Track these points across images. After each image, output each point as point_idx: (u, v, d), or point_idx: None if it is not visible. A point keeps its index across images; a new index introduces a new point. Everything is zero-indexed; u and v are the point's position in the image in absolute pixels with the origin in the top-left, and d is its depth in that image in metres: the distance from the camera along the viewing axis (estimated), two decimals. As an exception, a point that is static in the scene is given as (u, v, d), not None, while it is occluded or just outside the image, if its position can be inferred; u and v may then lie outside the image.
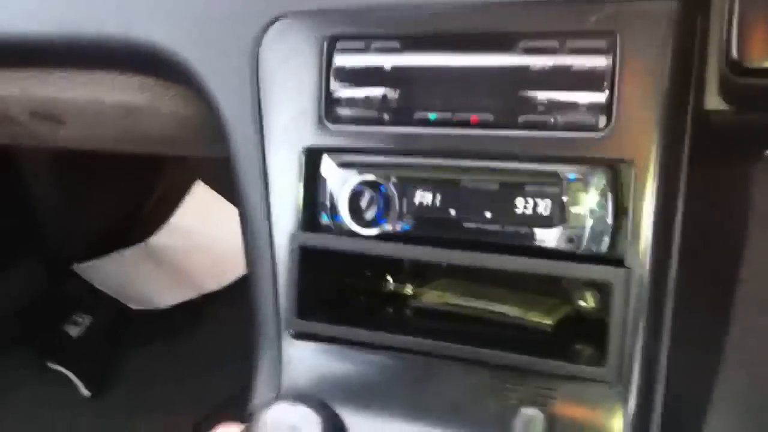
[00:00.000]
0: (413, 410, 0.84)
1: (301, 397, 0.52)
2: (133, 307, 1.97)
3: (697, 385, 0.91)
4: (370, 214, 0.89)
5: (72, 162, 1.88)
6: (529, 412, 0.54)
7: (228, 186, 1.01)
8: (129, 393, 1.81)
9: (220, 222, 2.05)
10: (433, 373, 0.85)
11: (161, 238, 2.12)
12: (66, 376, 1.82)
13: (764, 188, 1.03)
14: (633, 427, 0.76)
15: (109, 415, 1.75)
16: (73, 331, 1.89)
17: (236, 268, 1.96)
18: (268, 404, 0.52)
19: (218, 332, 1.89)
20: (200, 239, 2.10)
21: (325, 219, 0.91)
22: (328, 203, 0.91)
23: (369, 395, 0.86)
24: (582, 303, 0.89)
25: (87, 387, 1.80)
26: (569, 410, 0.78)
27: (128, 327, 1.94)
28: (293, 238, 0.91)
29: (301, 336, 0.91)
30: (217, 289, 2.02)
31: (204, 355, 1.85)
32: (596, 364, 0.79)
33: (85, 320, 1.90)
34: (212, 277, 2.03)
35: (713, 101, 0.80)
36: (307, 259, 0.91)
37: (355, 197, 0.89)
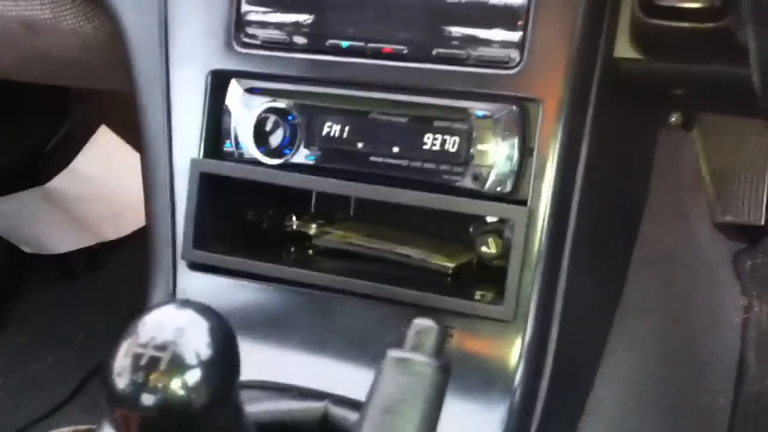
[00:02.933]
0: (313, 342, 0.83)
1: (189, 303, 0.50)
2: (27, 250, 1.89)
3: (593, 324, 0.92)
4: (275, 142, 0.86)
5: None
6: (423, 321, 0.53)
7: (134, 133, 0.97)
8: (22, 336, 1.74)
9: (124, 170, 1.98)
10: (334, 309, 0.84)
11: (60, 182, 2.04)
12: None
13: (663, 153, 1.05)
14: (528, 363, 0.77)
15: (2, 357, 1.68)
16: (-36, 272, 1.80)
17: (137, 218, 1.90)
18: (151, 307, 0.49)
19: (114, 279, 1.84)
20: (102, 186, 2.03)
21: (228, 146, 0.89)
22: (232, 130, 0.88)
23: (267, 327, 0.84)
24: (484, 249, 0.88)
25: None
26: (468, 344, 0.78)
27: (23, 270, 1.87)
28: (194, 164, 0.88)
29: (197, 267, 0.88)
30: (117, 238, 1.95)
31: (99, 298, 1.79)
32: (495, 303, 0.79)
33: (-23, 262, 1.81)
34: (111, 226, 1.96)
35: (624, 48, 0.81)
36: (208, 187, 0.88)
37: (260, 124, 0.87)
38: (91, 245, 1.93)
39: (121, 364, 0.47)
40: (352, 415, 0.73)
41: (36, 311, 1.79)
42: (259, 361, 0.78)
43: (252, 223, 0.94)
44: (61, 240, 1.93)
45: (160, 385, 0.46)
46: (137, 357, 0.46)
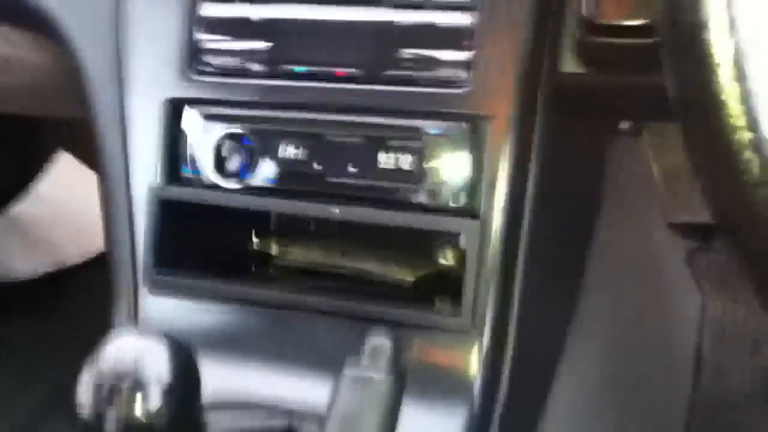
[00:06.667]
0: (273, 358, 0.84)
1: (149, 333, 0.52)
2: (-11, 278, 1.88)
3: (549, 329, 0.95)
4: (233, 166, 0.88)
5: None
6: (377, 337, 0.55)
7: (92, 156, 0.97)
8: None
9: (85, 194, 1.97)
10: (296, 326, 0.86)
11: (23, 207, 2.03)
12: None
13: (615, 160, 1.08)
14: (486, 370, 0.79)
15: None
16: (-77, 302, 1.78)
17: (100, 240, 1.90)
18: (110, 338, 0.50)
19: (79, 303, 1.83)
20: (63, 211, 2.02)
21: (186, 172, 0.90)
22: (189, 156, 0.90)
23: (227, 345, 0.85)
24: (443, 261, 0.91)
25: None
26: (429, 356, 0.80)
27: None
28: (152, 190, 0.89)
29: (158, 290, 0.89)
30: (80, 262, 1.95)
31: (62, 325, 1.78)
32: (452, 314, 0.81)
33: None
34: (75, 249, 1.95)
35: (569, 63, 0.83)
36: (168, 212, 0.89)
37: (218, 149, 0.88)
38: (54, 270, 1.92)
39: (85, 395, 0.48)
40: (317, 431, 0.74)
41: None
42: (222, 380, 0.79)
43: (213, 245, 0.95)
44: (24, 266, 1.92)
45: (121, 412, 0.48)
46: (99, 387, 0.48)
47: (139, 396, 0.47)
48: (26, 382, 1.67)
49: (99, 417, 0.48)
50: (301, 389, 0.81)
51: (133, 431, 0.47)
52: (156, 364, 0.48)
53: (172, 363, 0.49)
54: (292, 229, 0.99)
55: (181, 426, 0.49)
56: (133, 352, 0.49)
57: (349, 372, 0.55)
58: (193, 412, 0.50)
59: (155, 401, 0.47)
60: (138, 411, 0.47)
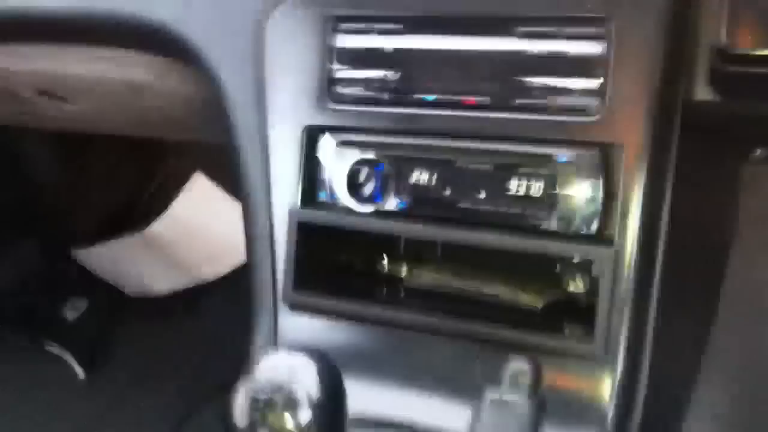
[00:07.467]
0: (405, 379, 0.86)
1: (299, 348, 0.55)
2: (129, 293, 1.99)
3: (683, 360, 0.93)
4: (367, 192, 0.91)
5: (75, 146, 1.90)
6: (518, 362, 0.56)
7: (226, 178, 1.03)
8: (122, 375, 1.82)
9: (218, 213, 2.06)
10: (425, 347, 0.88)
11: (159, 226, 2.13)
12: (62, 358, 1.83)
13: (749, 188, 1.05)
14: (619, 399, 0.78)
15: (102, 396, 1.77)
16: (70, 314, 1.90)
17: (232, 259, 1.98)
18: (266, 353, 0.54)
19: (212, 320, 1.91)
20: (198, 229, 2.12)
21: (323, 196, 0.94)
22: (326, 181, 0.94)
23: (362, 364, 0.88)
24: (572, 287, 0.91)
25: (82, 369, 1.82)
26: (559, 381, 0.80)
27: (124, 311, 1.96)
28: (292, 213, 0.93)
29: (296, 308, 0.93)
30: (213, 279, 2.03)
31: (197, 341, 1.86)
32: (584, 341, 0.81)
33: (82, 304, 1.92)
34: (209, 267, 2.04)
35: (703, 91, 0.83)
36: (305, 234, 0.93)
37: (353, 175, 0.92)
38: (189, 286, 2.01)
39: (241, 405, 0.51)
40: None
41: (136, 351, 1.87)
42: (356, 396, 0.82)
43: (346, 267, 0.99)
44: (161, 282, 2.02)
45: (276, 424, 0.51)
46: (255, 399, 0.51)
47: (291, 410, 0.50)
48: (163, 391, 1.76)
49: (252, 427, 0.51)
50: (431, 407, 0.83)
51: (285, 443, 0.51)
52: (307, 380, 0.51)
53: (322, 379, 0.52)
54: (421, 253, 1.01)
55: (328, 440, 0.52)
56: (287, 368, 0.52)
57: (490, 395, 0.56)
58: (339, 427, 0.53)
59: (306, 415, 0.50)
60: (290, 424, 0.50)
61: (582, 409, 0.79)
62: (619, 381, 0.79)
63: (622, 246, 0.80)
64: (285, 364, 0.53)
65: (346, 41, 0.93)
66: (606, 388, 0.79)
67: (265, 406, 0.51)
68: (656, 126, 0.81)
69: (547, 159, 0.84)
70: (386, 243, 0.99)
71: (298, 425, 0.51)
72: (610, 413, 0.78)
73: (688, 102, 0.82)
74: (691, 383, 0.93)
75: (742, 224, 1.05)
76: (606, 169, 0.82)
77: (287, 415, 0.51)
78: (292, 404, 0.51)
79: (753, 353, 1.01)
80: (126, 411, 1.72)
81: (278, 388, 0.51)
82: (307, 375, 0.52)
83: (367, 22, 0.91)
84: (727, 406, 0.98)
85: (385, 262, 1.00)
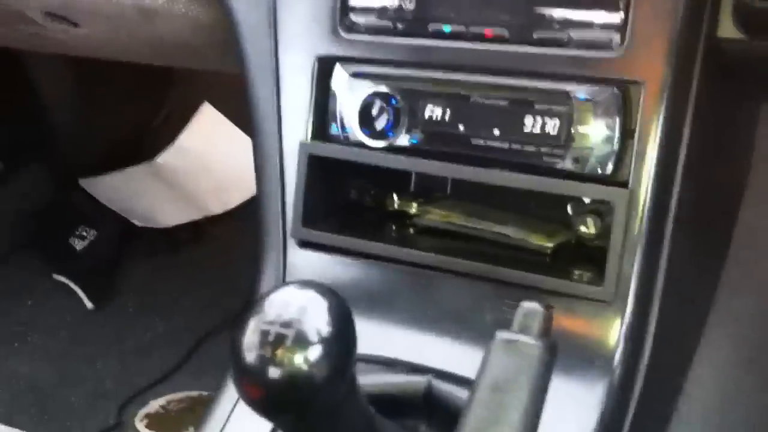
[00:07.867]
0: (414, 318, 0.86)
1: (309, 282, 0.54)
2: (138, 223, 1.99)
3: (692, 304, 0.92)
4: (379, 126, 0.89)
5: (85, 74, 1.88)
6: (530, 304, 0.55)
7: (234, 110, 1.01)
8: (130, 305, 1.84)
9: (226, 145, 2.05)
10: (435, 286, 0.87)
11: (168, 157, 2.13)
12: (70, 287, 1.84)
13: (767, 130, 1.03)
14: (627, 342, 0.78)
15: (110, 325, 1.78)
16: (79, 244, 1.91)
17: (240, 193, 1.98)
18: (276, 287, 0.53)
19: (220, 251, 1.92)
20: (206, 161, 2.11)
21: (334, 130, 0.92)
22: (338, 113, 0.92)
23: (372, 302, 0.87)
24: (583, 229, 0.89)
25: (90, 299, 1.83)
26: (567, 324, 0.80)
27: (132, 242, 1.96)
28: (303, 146, 0.92)
29: (305, 244, 0.92)
30: (221, 212, 2.03)
31: (204, 271, 1.87)
32: (594, 284, 0.81)
33: (90, 234, 1.92)
34: (216, 200, 2.04)
35: (727, 28, 0.80)
36: (316, 168, 0.92)
37: (365, 108, 0.90)
38: (197, 219, 2.01)
39: (250, 339, 0.51)
40: (454, 389, 0.76)
41: (144, 282, 1.88)
42: (364, 335, 0.82)
43: (355, 203, 0.98)
44: (170, 214, 2.02)
45: (285, 359, 0.50)
46: (264, 333, 0.50)
47: (300, 346, 0.50)
48: (171, 322, 1.77)
49: (262, 361, 0.51)
50: (439, 348, 0.82)
51: (295, 378, 0.50)
52: (318, 316, 0.51)
53: (333, 316, 0.51)
54: (431, 190, 1.00)
55: (338, 376, 0.51)
56: (297, 303, 0.51)
57: (501, 335, 0.55)
58: (349, 365, 0.53)
59: (316, 352, 0.50)
60: (300, 359, 0.50)
61: (589, 353, 0.78)
62: (627, 325, 0.78)
63: (637, 188, 0.79)
64: (295, 299, 0.52)
65: None
66: (614, 332, 0.78)
67: (275, 342, 0.50)
68: (678, 63, 0.78)
69: (565, 96, 0.82)
70: (397, 179, 0.98)
71: (308, 361, 0.51)
72: (618, 357, 0.78)
73: (711, 39, 0.80)
74: (700, 327, 0.93)
75: (759, 167, 1.03)
76: (624, 107, 0.80)
77: (297, 351, 0.50)
78: (302, 340, 0.50)
79: (764, 299, 1.01)
80: (137, 340, 1.73)
81: (288, 324, 0.50)
82: (318, 311, 0.51)
83: (382, -52, 0.88)
84: (736, 351, 0.98)
85: (396, 199, 0.99)
